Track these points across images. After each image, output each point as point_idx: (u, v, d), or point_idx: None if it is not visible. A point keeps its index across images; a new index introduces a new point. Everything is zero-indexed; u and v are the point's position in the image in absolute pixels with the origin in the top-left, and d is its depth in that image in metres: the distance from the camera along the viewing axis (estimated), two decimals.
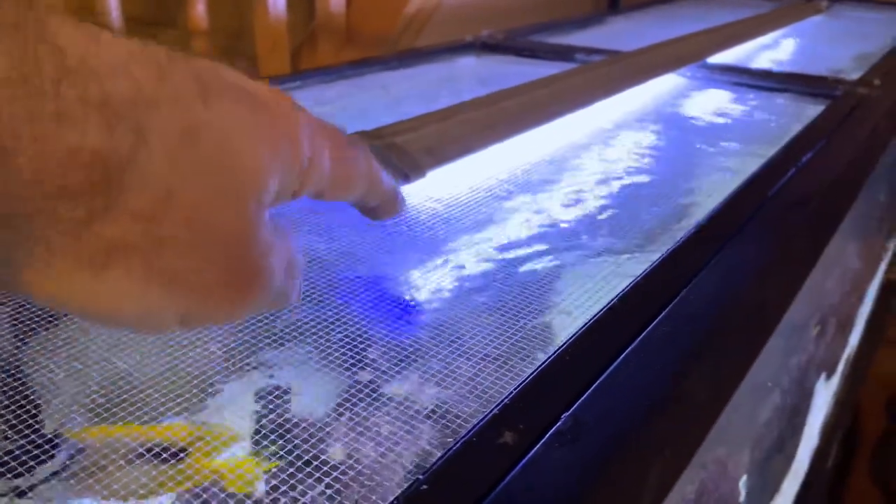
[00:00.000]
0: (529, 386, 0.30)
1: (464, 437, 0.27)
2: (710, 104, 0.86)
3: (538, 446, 0.26)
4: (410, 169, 0.46)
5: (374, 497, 0.26)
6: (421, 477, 0.25)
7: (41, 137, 0.16)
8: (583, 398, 0.28)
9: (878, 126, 0.71)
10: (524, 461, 0.25)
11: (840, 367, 1.31)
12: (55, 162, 0.16)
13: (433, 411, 0.30)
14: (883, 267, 1.73)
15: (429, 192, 0.56)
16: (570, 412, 0.28)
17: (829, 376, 1.19)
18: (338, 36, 1.41)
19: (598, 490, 0.25)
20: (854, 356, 1.49)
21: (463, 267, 0.45)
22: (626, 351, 0.32)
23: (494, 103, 0.58)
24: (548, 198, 0.57)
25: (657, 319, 0.34)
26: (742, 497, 0.71)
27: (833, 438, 1.39)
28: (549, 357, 0.32)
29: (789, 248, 0.50)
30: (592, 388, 0.29)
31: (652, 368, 0.32)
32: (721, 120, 0.79)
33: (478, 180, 0.59)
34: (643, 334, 0.33)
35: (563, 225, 0.52)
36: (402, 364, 0.34)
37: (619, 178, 0.61)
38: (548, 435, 0.26)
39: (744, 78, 0.92)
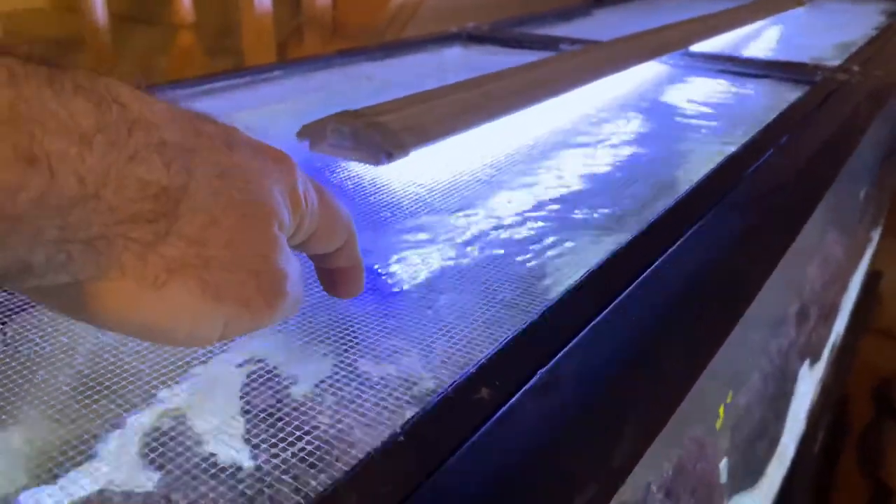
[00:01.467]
0: (508, 347, 0.30)
1: (441, 393, 0.27)
2: (692, 90, 0.87)
3: (512, 400, 0.27)
4: (393, 147, 0.47)
5: (350, 451, 0.26)
6: (398, 430, 0.25)
7: (121, 174, 0.20)
8: (558, 356, 0.29)
9: (857, 109, 0.72)
10: (498, 414, 0.26)
11: (825, 355, 1.33)
12: (131, 193, 0.20)
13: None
14: (867, 256, 1.74)
15: (412, 175, 0.56)
16: (545, 369, 0.28)
17: (813, 363, 1.20)
18: (324, 29, 1.41)
19: (571, 442, 0.26)
20: (840, 344, 1.51)
21: (451, 242, 0.45)
22: (602, 314, 0.33)
23: (478, 87, 0.59)
24: (532, 179, 0.57)
25: (632, 285, 0.35)
26: (724, 479, 0.71)
27: (819, 424, 1.41)
28: (528, 320, 0.32)
29: (766, 226, 0.51)
30: (568, 347, 0.30)
31: (627, 332, 0.32)
32: (701, 105, 0.80)
33: (462, 164, 0.59)
34: (618, 299, 0.34)
35: (545, 202, 0.53)
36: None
37: (602, 160, 0.62)
38: (522, 390, 0.27)
39: (726, 65, 0.93)
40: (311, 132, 0.49)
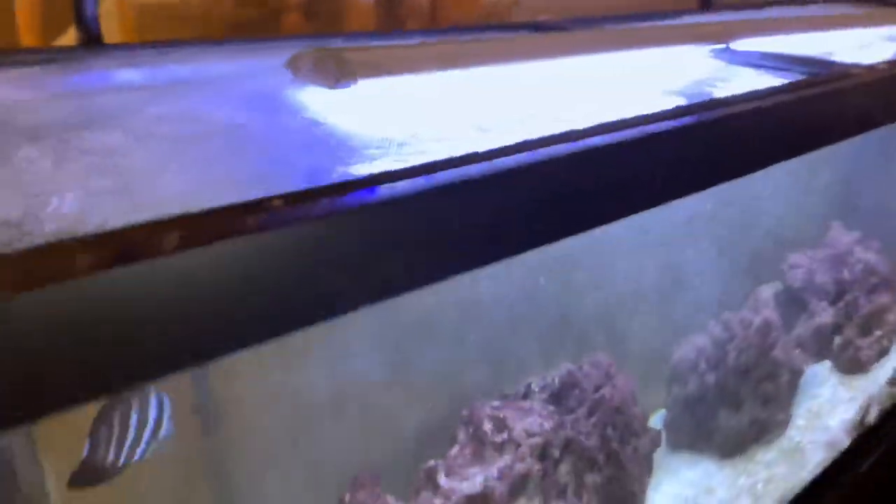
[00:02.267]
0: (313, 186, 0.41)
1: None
2: (707, 76, 0.91)
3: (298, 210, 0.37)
4: (343, 73, 0.58)
5: None
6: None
7: None
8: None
9: (834, 100, 0.74)
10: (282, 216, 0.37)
11: (880, 372, 1.28)
12: None
13: None
14: None
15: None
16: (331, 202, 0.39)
17: (846, 372, 1.18)
18: (424, 21, 1.55)
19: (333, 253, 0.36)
20: None
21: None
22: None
23: (450, 42, 0.69)
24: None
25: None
26: (658, 427, 0.76)
27: (871, 444, 1.36)
28: None
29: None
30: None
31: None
32: (706, 86, 0.85)
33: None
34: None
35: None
36: None
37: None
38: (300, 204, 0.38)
39: (756, 59, 0.96)
40: (293, 63, 0.62)
